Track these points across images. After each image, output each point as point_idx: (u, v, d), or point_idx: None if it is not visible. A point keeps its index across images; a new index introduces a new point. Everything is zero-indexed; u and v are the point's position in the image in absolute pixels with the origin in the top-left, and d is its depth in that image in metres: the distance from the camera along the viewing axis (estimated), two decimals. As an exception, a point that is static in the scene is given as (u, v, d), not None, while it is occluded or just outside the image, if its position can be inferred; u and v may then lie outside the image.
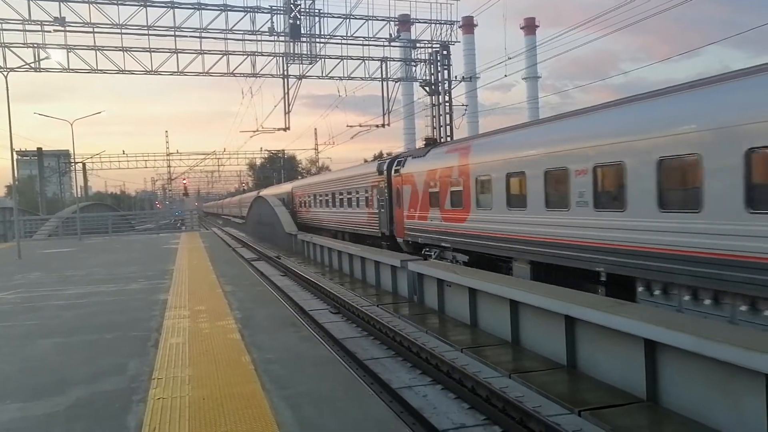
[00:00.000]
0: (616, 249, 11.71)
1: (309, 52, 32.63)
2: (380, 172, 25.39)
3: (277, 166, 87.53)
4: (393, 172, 24.10)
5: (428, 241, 20.75)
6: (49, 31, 28.93)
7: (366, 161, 38.77)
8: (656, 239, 10.69)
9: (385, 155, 43.05)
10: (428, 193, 20.47)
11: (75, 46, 30.03)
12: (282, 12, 30.77)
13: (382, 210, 25.18)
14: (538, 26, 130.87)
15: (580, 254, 12.78)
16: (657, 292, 11.05)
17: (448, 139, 32.24)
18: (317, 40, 32.42)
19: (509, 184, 15.48)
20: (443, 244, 19.54)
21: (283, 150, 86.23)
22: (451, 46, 34.43)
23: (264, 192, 56.21)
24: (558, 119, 15.31)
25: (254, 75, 33.64)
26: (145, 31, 29.83)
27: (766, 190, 8.88)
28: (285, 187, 51.46)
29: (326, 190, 35.78)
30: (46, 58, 29.91)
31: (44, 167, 62.15)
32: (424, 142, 26.69)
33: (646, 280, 11.26)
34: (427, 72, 34.67)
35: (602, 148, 12.17)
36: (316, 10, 31.55)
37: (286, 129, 36.18)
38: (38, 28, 28.78)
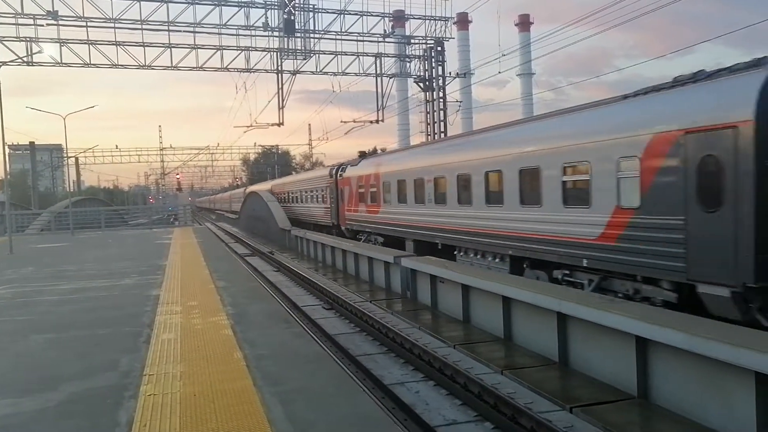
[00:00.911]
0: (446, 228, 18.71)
1: (303, 48, 32.57)
2: (331, 176, 31.64)
3: (271, 162, 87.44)
4: (338, 176, 30.47)
5: (358, 228, 27.65)
6: (42, 25, 28.79)
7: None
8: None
9: (379, 151, 43.47)
10: (358, 193, 27.33)
11: (68, 40, 29.89)
12: (276, 7, 30.70)
13: (333, 205, 31.40)
14: (532, 23, 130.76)
15: (427, 233, 20.11)
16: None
17: (442, 135, 32.37)
18: (311, 35, 32.37)
19: (400, 186, 22.40)
20: (367, 230, 26.55)
21: (277, 145, 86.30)
22: (445, 43, 34.48)
23: (250, 188, 57.61)
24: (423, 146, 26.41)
25: (248, 70, 33.59)
26: (139, 26, 29.70)
27: (573, 193, 12.77)
28: (266, 185, 56.06)
29: (295, 188, 41.70)
30: (39, 52, 29.75)
31: (37, 161, 61.88)
32: (357, 154, 31.64)
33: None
34: (422, 68, 34.67)
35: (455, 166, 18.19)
36: (311, 6, 31.53)
37: (280, 124, 36.19)
38: (31, 21, 28.64)
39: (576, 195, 12.73)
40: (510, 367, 9.22)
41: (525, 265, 14.82)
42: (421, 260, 15.58)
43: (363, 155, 30.69)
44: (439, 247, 19.23)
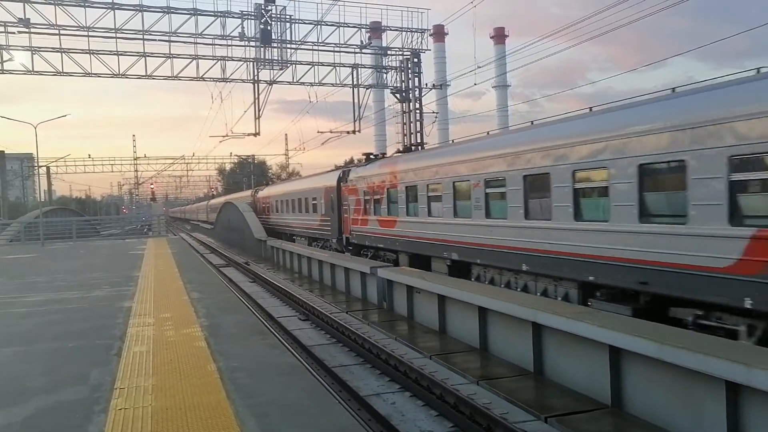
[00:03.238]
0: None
1: (280, 58, 32.46)
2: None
3: (247, 172, 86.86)
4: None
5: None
6: (13, 33, 28.30)
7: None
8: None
9: (356, 161, 43.73)
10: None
11: (40, 47, 29.40)
12: (253, 17, 30.59)
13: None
14: (507, 36, 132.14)
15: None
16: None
17: (419, 148, 32.59)
18: (288, 45, 32.28)
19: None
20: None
21: (254, 155, 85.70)
22: (422, 54, 34.59)
23: (227, 198, 57.64)
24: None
25: (224, 80, 33.31)
26: (113, 34, 29.36)
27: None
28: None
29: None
30: (10, 59, 29.26)
31: (6, 170, 60.74)
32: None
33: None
34: (398, 79, 34.79)
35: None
36: (287, 16, 31.43)
37: (256, 134, 35.89)
38: (2, 29, 28.15)
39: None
40: (486, 377, 9.24)
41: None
42: (397, 271, 15.58)
43: (368, 158, 27.99)
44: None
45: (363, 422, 6.83)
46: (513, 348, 9.90)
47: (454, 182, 16.85)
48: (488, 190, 15.17)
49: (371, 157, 27.83)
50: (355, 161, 45.10)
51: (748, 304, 8.55)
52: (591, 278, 11.71)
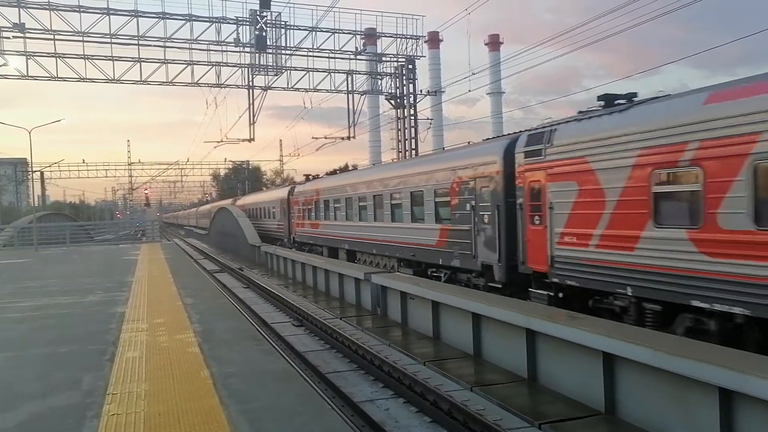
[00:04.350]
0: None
1: (275, 64, 32.55)
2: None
3: (242, 177, 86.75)
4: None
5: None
6: (8, 38, 28.30)
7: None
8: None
9: (350, 167, 44.18)
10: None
11: (35, 52, 29.41)
12: (248, 23, 30.65)
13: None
14: (502, 43, 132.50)
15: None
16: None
17: (413, 152, 32.63)
18: (283, 51, 32.37)
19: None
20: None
21: (248, 161, 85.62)
22: (416, 61, 34.75)
23: (219, 204, 58.65)
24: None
25: (219, 85, 33.40)
26: (108, 39, 29.38)
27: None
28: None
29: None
30: (4, 64, 29.24)
31: (0, 175, 60.47)
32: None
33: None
34: (393, 85, 34.89)
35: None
36: (282, 22, 31.52)
37: (251, 140, 35.97)
38: (-4, 33, 28.12)
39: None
40: (480, 383, 9.24)
41: None
42: (391, 277, 15.57)
43: (307, 178, 34.05)
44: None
45: (356, 428, 6.82)
46: (507, 354, 9.91)
47: (345, 198, 25.50)
48: (360, 204, 23.70)
49: (309, 177, 33.97)
50: (350, 167, 45.46)
51: (439, 261, 17.03)
52: (398, 254, 20.24)
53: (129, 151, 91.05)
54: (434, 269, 17.80)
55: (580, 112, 12.28)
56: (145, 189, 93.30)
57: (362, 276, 16.48)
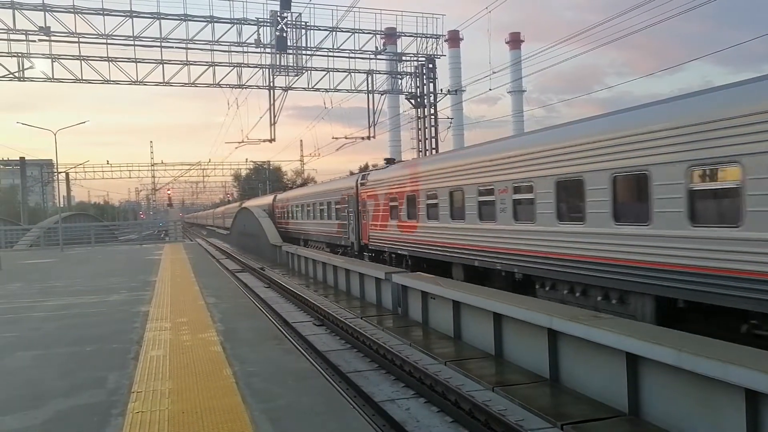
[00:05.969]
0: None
1: (295, 64, 32.71)
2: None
3: (263, 178, 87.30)
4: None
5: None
6: (34, 41, 28.79)
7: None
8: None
9: (371, 167, 44.13)
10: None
11: (60, 55, 29.89)
12: (268, 24, 30.83)
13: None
14: (523, 41, 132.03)
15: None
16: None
17: (434, 152, 32.55)
18: (303, 52, 32.51)
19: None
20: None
21: (269, 161, 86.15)
22: (436, 60, 34.67)
23: (245, 204, 58.22)
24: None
25: (240, 86, 33.66)
26: (131, 42, 29.76)
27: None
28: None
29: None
30: (30, 67, 29.78)
31: (27, 177, 61.53)
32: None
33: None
34: (413, 85, 34.85)
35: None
36: (303, 23, 31.65)
37: (271, 140, 36.17)
38: (23, 37, 28.62)
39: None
40: (501, 383, 9.19)
41: None
42: (412, 276, 15.55)
43: (388, 162, 28.00)
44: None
45: (377, 427, 6.82)
46: (528, 354, 9.84)
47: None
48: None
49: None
50: (370, 167, 45.48)
51: (343, 241, 28.23)
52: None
53: (152, 152, 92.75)
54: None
55: (378, 166, 28.09)
56: (168, 189, 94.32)
57: (383, 276, 16.49)
